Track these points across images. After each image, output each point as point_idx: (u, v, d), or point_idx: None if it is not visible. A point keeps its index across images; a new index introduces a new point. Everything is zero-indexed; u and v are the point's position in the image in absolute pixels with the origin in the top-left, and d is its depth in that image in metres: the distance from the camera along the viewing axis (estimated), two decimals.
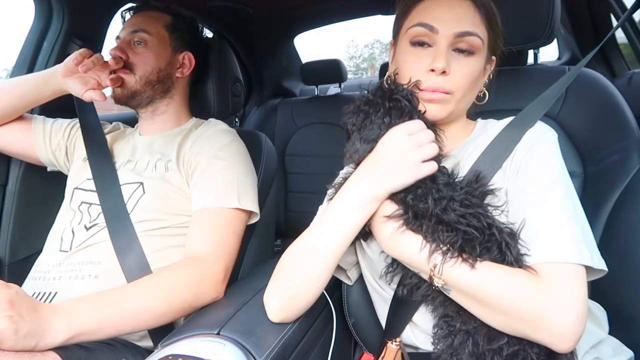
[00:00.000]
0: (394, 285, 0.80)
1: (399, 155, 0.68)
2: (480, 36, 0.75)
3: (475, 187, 0.70)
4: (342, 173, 0.87)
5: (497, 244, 0.65)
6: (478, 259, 0.63)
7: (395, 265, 0.77)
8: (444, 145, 0.74)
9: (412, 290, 0.74)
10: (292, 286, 0.75)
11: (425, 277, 0.68)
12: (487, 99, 0.83)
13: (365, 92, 0.76)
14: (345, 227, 0.72)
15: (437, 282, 0.65)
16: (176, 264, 0.92)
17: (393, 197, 0.71)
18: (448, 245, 0.65)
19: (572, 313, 0.58)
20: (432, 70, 0.74)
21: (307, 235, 0.76)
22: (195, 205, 1.02)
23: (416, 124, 0.70)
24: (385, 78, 0.80)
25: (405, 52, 0.78)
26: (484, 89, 0.84)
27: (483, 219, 0.66)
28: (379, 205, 0.71)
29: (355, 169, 0.75)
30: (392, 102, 0.72)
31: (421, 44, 0.76)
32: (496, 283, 0.62)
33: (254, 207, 1.07)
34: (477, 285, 0.63)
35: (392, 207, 0.71)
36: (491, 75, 0.84)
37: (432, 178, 0.70)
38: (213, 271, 0.93)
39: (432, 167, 0.69)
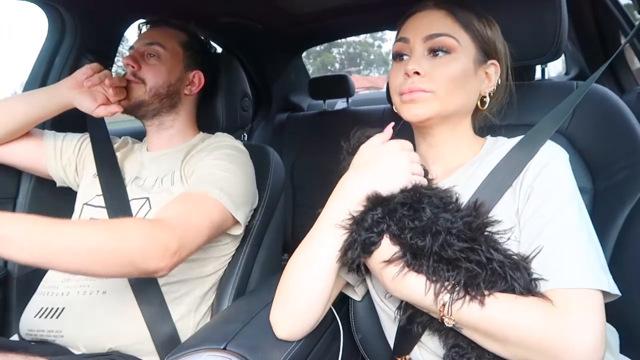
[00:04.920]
0: (406, 321, 0.77)
1: (394, 162, 0.72)
2: (454, 36, 0.78)
3: (474, 217, 0.69)
4: None
5: (501, 277, 0.63)
6: (486, 292, 0.62)
7: (404, 304, 0.75)
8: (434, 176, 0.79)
9: (425, 326, 0.73)
10: (295, 303, 0.74)
11: (436, 317, 0.67)
12: (487, 104, 0.84)
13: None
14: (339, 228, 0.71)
15: (448, 323, 0.64)
16: (133, 218, 0.89)
17: (391, 235, 0.70)
18: (454, 283, 0.64)
19: (589, 340, 0.57)
20: (408, 75, 0.78)
21: (304, 244, 0.75)
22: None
23: (409, 143, 0.76)
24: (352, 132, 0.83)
25: (392, 68, 0.85)
26: (487, 94, 0.84)
27: (482, 254, 0.64)
28: None
29: None
30: None
31: (400, 56, 0.83)
32: (508, 317, 0.61)
33: (234, 209, 1.02)
34: (488, 321, 0.61)
35: (389, 250, 0.69)
36: (499, 81, 0.84)
37: (435, 213, 0.69)
38: (165, 237, 0.85)
39: (421, 179, 0.74)
